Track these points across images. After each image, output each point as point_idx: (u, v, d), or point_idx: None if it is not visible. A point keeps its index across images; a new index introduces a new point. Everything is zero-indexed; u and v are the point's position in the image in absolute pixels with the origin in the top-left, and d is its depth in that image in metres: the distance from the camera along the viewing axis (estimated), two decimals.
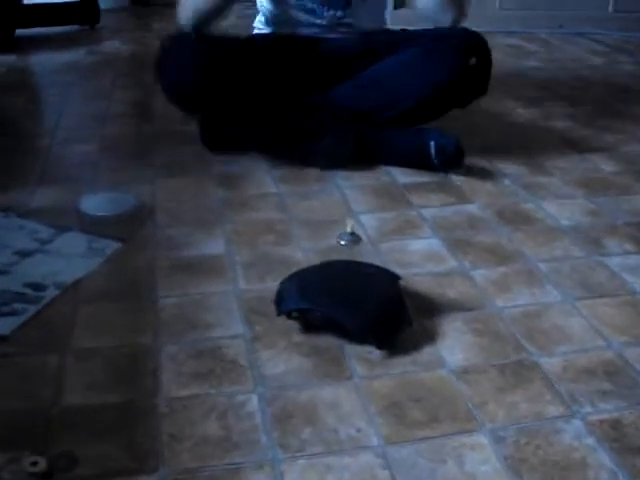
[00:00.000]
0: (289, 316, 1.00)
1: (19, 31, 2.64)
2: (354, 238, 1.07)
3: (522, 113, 1.96)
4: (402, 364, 0.93)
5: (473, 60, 1.43)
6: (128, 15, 3.28)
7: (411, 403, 0.86)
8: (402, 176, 1.50)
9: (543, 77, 2.35)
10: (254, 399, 0.86)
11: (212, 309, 1.04)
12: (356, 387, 0.88)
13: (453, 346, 0.96)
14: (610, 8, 3.09)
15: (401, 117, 1.50)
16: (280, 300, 1.00)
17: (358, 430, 0.82)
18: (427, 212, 1.34)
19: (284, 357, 0.94)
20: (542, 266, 1.16)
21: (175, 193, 1.42)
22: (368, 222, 1.28)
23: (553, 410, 0.85)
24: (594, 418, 0.83)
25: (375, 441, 0.80)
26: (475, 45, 1.49)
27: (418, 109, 1.49)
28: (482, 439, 0.81)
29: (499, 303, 1.07)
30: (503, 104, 2.02)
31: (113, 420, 0.82)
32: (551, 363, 0.93)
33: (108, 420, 0.82)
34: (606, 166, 1.59)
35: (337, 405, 0.85)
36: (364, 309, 0.95)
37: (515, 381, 0.90)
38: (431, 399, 0.87)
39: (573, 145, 1.71)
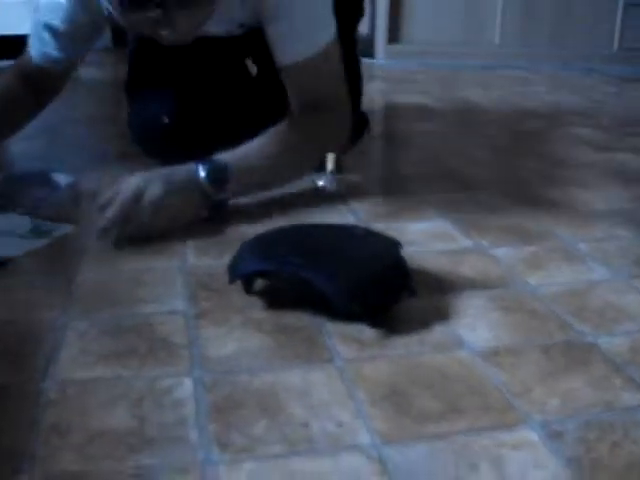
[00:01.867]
0: (247, 288, 0.73)
1: None
2: (335, 178, 0.81)
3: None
4: (404, 344, 0.66)
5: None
6: (109, 55, 3.11)
7: (418, 390, 0.58)
8: (404, 167, 1.25)
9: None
10: (187, 384, 0.59)
11: (147, 284, 0.77)
12: (339, 371, 0.61)
13: (475, 324, 0.69)
14: (615, 45, 2.94)
15: None
16: (235, 264, 0.73)
17: (339, 424, 0.54)
18: (432, 197, 1.09)
19: (236, 335, 0.67)
20: (582, 246, 0.90)
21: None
22: (358, 206, 1.02)
23: (629, 398, 0.57)
24: None
25: (365, 438, 0.52)
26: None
27: None
28: (530, 435, 0.53)
29: (532, 281, 0.80)
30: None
31: None
32: (613, 343, 0.66)
33: None
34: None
35: (308, 393, 0.58)
36: (349, 270, 0.68)
37: (567, 364, 0.63)
38: (448, 386, 0.59)
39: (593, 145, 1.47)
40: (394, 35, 2.81)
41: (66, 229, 0.92)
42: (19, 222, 0.94)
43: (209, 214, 0.92)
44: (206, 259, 0.84)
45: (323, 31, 1.02)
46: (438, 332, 0.68)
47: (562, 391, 0.59)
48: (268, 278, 0.72)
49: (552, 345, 0.66)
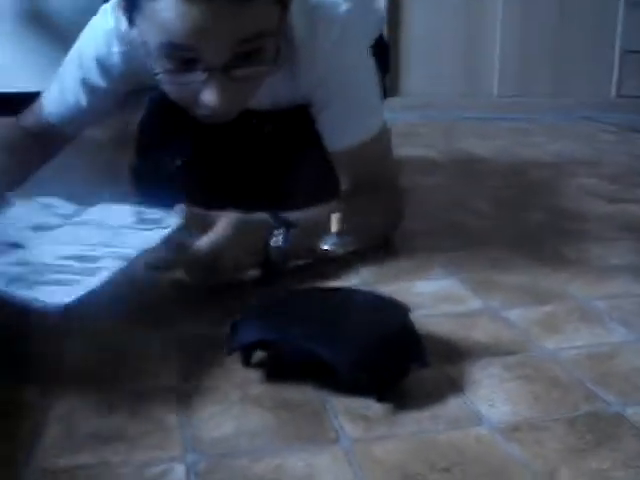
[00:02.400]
0: (246, 360, 0.68)
1: None
2: (342, 241, 0.76)
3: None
4: (416, 420, 0.60)
5: None
6: None
7: (437, 475, 0.53)
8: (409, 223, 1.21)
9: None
10: (179, 471, 0.53)
11: (138, 357, 0.72)
12: (346, 453, 0.56)
13: (492, 396, 0.64)
14: (613, 93, 2.95)
15: None
16: (234, 334, 0.68)
17: None
18: (437, 254, 1.04)
19: (234, 413, 0.61)
20: (598, 304, 0.86)
21: None
22: (361, 266, 0.97)
23: None
24: None
25: None
26: None
27: None
28: None
29: (549, 346, 0.75)
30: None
31: None
32: None
33: None
34: None
35: (315, 479, 0.52)
36: (354, 339, 0.63)
37: (595, 439, 0.57)
38: (468, 468, 0.54)
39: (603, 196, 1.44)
40: (393, 89, 2.82)
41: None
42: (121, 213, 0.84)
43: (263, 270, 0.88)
44: (202, 327, 0.79)
45: (375, 115, 1.03)
46: (452, 406, 0.62)
47: (591, 471, 0.53)
48: (268, 349, 0.68)
49: (577, 417, 0.61)
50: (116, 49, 0.98)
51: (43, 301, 0.63)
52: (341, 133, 1.02)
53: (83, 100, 1.04)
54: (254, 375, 0.67)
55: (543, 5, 2.92)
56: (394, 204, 1.07)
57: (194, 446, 0.56)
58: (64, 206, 0.87)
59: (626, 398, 0.64)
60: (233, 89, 0.83)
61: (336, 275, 0.91)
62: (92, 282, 0.66)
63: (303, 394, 0.64)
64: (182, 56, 0.81)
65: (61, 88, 1.05)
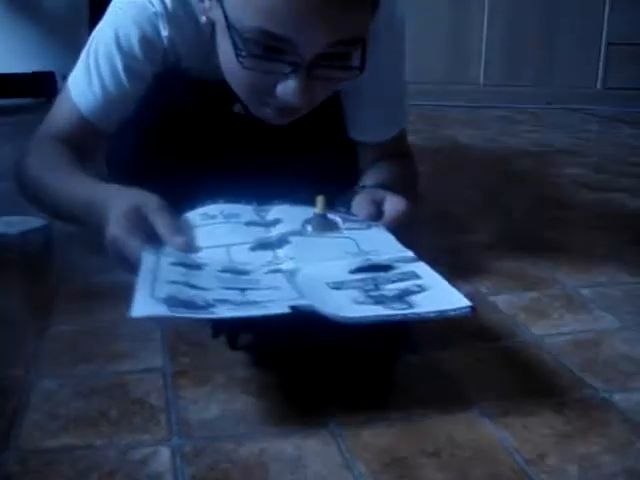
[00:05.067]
0: (232, 343, 0.67)
1: None
2: (326, 222, 0.75)
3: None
4: (406, 405, 0.60)
5: None
6: None
7: (426, 459, 0.53)
8: None
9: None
10: (164, 454, 0.52)
11: (123, 338, 0.71)
12: (334, 437, 0.55)
13: (481, 381, 0.64)
14: (599, 85, 2.95)
15: None
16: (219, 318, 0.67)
17: None
18: (426, 241, 1.04)
19: (220, 397, 0.61)
20: (585, 291, 0.86)
21: None
22: None
23: None
24: None
25: None
26: None
27: None
28: None
29: (536, 331, 0.75)
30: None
31: None
32: (631, 400, 0.61)
33: None
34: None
35: (301, 464, 0.52)
36: (344, 323, 0.63)
37: (583, 425, 0.57)
38: (456, 453, 0.53)
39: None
40: None
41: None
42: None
43: None
44: None
45: (405, 108, 1.06)
46: (441, 391, 0.62)
47: (579, 457, 0.53)
48: (254, 332, 0.67)
49: (565, 403, 0.60)
50: (165, 32, 0.90)
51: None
52: (374, 126, 1.02)
53: (127, 88, 0.92)
54: (241, 358, 0.67)
55: None
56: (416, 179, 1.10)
57: (180, 429, 0.56)
58: (245, 211, 0.82)
59: (613, 384, 0.64)
60: (312, 88, 0.80)
61: None
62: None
63: (290, 377, 0.64)
64: (272, 45, 0.76)
65: (98, 81, 0.92)
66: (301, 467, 0.51)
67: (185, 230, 0.76)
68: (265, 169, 1.04)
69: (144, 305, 0.56)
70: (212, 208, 0.81)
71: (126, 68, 0.91)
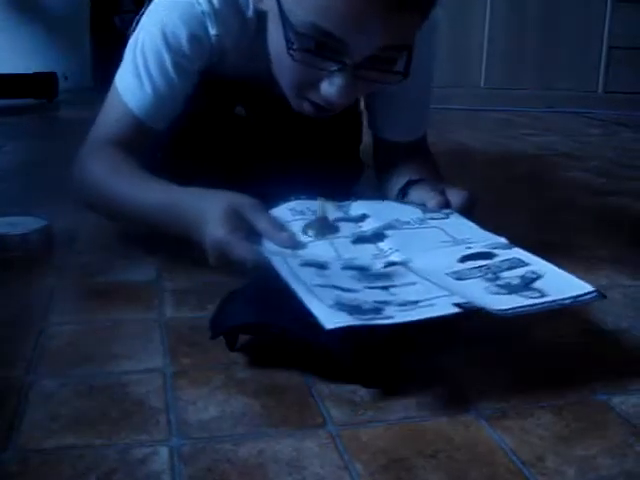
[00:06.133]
0: (231, 344, 0.68)
1: None
2: (327, 226, 0.75)
3: None
4: (404, 406, 0.60)
5: None
6: (89, 95, 3.07)
7: (420, 460, 0.53)
8: None
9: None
10: (163, 454, 0.53)
11: (122, 338, 0.71)
12: (332, 439, 0.55)
13: (478, 383, 0.64)
14: (600, 88, 2.95)
15: None
16: (218, 318, 0.67)
17: None
18: None
19: (219, 398, 0.61)
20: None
21: (103, 221, 1.11)
22: None
23: None
24: None
25: None
26: None
27: None
28: None
29: (537, 333, 0.75)
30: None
31: None
32: (629, 403, 0.61)
33: None
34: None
35: (300, 465, 0.52)
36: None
37: (581, 427, 0.57)
38: (455, 454, 0.53)
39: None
40: None
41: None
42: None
43: None
44: (186, 310, 0.78)
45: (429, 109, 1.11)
46: (439, 393, 0.62)
47: (577, 459, 0.53)
48: (253, 333, 0.67)
49: (563, 405, 0.61)
50: (213, 31, 0.90)
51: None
52: (408, 126, 1.06)
53: (177, 86, 0.93)
54: (239, 359, 0.67)
55: None
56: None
57: (178, 429, 0.56)
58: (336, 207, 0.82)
59: (612, 387, 0.64)
60: (354, 88, 0.81)
61: None
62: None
63: (289, 378, 0.64)
64: (324, 41, 0.77)
65: (148, 80, 0.91)
66: (299, 468, 0.51)
67: (282, 226, 0.76)
68: (266, 170, 1.05)
69: (330, 316, 0.56)
70: (298, 204, 0.81)
71: (175, 65, 0.91)
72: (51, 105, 2.63)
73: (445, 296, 0.61)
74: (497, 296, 0.63)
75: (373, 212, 0.81)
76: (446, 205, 0.84)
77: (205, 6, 0.89)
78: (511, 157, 1.83)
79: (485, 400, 0.61)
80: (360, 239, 0.75)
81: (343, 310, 0.57)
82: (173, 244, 0.97)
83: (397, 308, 0.60)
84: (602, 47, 2.98)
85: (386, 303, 0.61)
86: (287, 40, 0.78)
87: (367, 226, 0.78)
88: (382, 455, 0.53)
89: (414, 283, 0.66)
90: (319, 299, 0.59)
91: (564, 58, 2.95)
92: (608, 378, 0.65)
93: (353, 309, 0.58)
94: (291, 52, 0.78)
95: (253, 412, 0.58)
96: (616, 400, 0.61)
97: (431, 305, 0.60)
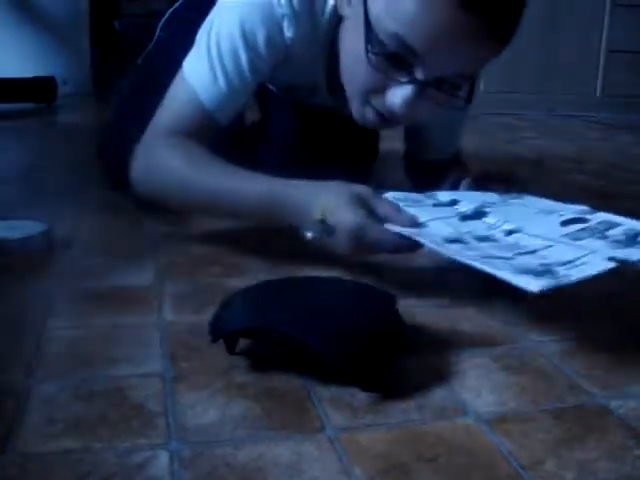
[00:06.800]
0: (231, 348, 0.68)
1: None
2: (326, 228, 0.75)
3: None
4: (403, 410, 0.60)
5: None
6: (88, 100, 3.08)
7: (423, 464, 0.53)
8: None
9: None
10: (163, 458, 0.53)
11: (121, 342, 0.71)
12: (331, 442, 0.55)
13: (479, 387, 0.64)
14: (599, 92, 2.96)
15: None
16: (218, 322, 0.67)
17: None
18: None
19: (219, 401, 0.61)
20: (584, 298, 0.86)
21: (102, 225, 1.11)
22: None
23: None
24: None
25: None
26: None
27: None
28: None
29: (535, 337, 0.75)
30: None
31: None
32: (628, 407, 0.61)
33: None
34: None
35: (299, 469, 0.52)
36: (341, 331, 0.63)
37: (581, 431, 0.57)
38: (454, 458, 0.53)
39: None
40: None
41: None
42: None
43: None
44: (185, 314, 0.78)
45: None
46: (438, 397, 0.62)
47: (577, 462, 0.53)
48: (253, 337, 0.67)
49: (563, 409, 0.61)
50: (289, 34, 0.91)
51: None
52: (452, 146, 1.24)
53: (250, 83, 0.95)
54: (239, 363, 0.67)
55: (531, 2, 2.92)
56: None
57: (178, 433, 0.56)
58: (418, 196, 0.87)
59: (610, 391, 0.64)
60: (418, 105, 0.83)
61: (323, 263, 0.91)
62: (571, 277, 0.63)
63: (288, 382, 0.64)
64: (402, 52, 0.79)
65: (222, 75, 0.92)
66: (299, 472, 0.51)
67: (401, 209, 0.79)
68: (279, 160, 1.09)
69: (531, 280, 0.60)
70: (395, 194, 0.84)
71: (250, 64, 0.92)
72: (50, 109, 2.63)
73: (590, 253, 0.65)
74: (626, 249, 0.66)
75: (461, 197, 0.86)
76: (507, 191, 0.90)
77: (286, 8, 0.90)
78: (510, 161, 1.83)
79: (484, 404, 0.61)
80: (466, 217, 0.80)
81: (528, 274, 0.60)
82: (173, 247, 0.97)
83: (562, 267, 0.63)
84: (601, 51, 2.98)
85: (549, 265, 0.64)
86: (368, 42, 0.79)
87: (462, 207, 0.83)
88: (381, 459, 0.53)
89: (550, 245, 0.70)
90: (498, 268, 0.62)
91: (563, 62, 2.95)
92: (607, 382, 0.65)
93: (539, 273, 0.61)
94: (369, 55, 0.80)
95: (252, 416, 0.58)
96: (614, 404, 0.61)
97: (584, 263, 0.63)
